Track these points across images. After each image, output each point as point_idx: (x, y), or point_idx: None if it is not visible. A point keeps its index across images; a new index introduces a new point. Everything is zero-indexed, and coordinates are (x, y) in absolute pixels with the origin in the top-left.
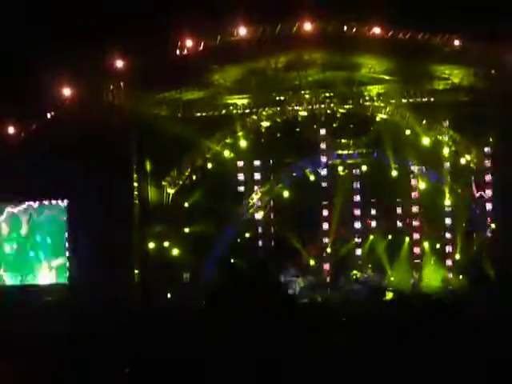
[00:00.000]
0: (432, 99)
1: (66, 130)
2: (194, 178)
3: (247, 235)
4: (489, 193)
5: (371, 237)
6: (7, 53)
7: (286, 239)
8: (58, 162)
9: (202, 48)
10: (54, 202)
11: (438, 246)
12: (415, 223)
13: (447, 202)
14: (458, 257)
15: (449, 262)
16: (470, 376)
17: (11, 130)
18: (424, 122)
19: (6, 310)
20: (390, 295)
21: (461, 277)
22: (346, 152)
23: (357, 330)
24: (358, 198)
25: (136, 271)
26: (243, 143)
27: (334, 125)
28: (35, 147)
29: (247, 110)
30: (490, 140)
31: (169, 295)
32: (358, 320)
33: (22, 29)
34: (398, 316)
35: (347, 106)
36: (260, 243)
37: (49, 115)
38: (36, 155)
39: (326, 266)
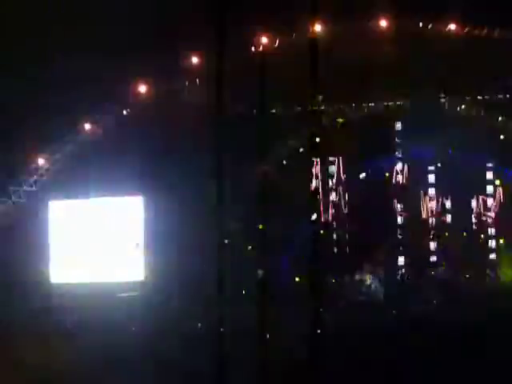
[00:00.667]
0: (508, 96)
1: (142, 127)
2: (269, 174)
3: (322, 233)
4: None
5: (446, 234)
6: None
7: (360, 236)
8: (136, 159)
9: (277, 44)
10: (129, 198)
11: None
12: (491, 220)
13: None
14: None
15: None
16: None
17: (89, 126)
18: (500, 118)
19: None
20: None
21: None
22: (421, 148)
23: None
24: (433, 194)
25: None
26: (318, 139)
27: (410, 121)
28: (111, 143)
29: (322, 107)
30: None
31: (243, 292)
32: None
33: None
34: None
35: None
36: (335, 241)
37: (125, 112)
38: (113, 152)
39: (401, 261)
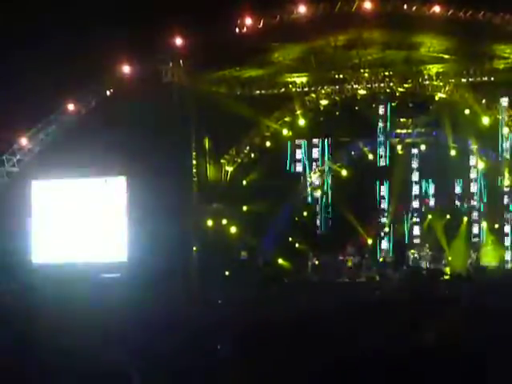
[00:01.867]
0: (492, 78)
1: (126, 107)
2: (253, 156)
3: (305, 214)
4: None
5: (429, 216)
6: (70, 31)
7: (344, 218)
8: (117, 139)
9: (261, 26)
10: (112, 178)
11: (496, 225)
12: (474, 203)
13: (506, 181)
14: None
15: (507, 242)
16: None
17: (71, 107)
18: (483, 101)
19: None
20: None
21: None
22: (404, 131)
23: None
24: (416, 177)
25: (194, 248)
26: (302, 122)
27: (393, 104)
28: (94, 124)
29: (306, 89)
30: None
31: (227, 272)
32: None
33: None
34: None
35: (406, 85)
36: (317, 222)
37: (108, 92)
38: (95, 132)
39: (384, 246)
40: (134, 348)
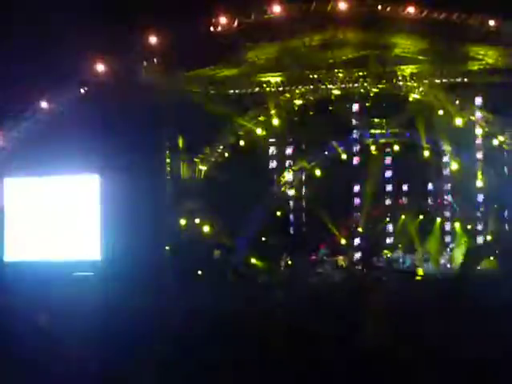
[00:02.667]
0: (466, 80)
1: (99, 105)
2: (227, 155)
3: (278, 213)
4: None
5: (403, 216)
6: (43, 29)
7: (318, 218)
8: (91, 137)
9: (236, 25)
10: (86, 176)
11: (469, 226)
12: (447, 203)
13: (479, 182)
14: (489, 237)
15: (479, 243)
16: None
17: (45, 104)
18: (457, 102)
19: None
20: (420, 273)
21: (491, 258)
22: (378, 131)
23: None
24: (389, 177)
25: (167, 247)
26: (276, 121)
27: (367, 104)
28: (67, 122)
29: (280, 88)
30: None
31: (199, 272)
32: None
33: (57, 5)
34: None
35: (380, 86)
36: (291, 221)
37: (82, 90)
38: (68, 130)
39: (358, 246)
40: (106, 345)
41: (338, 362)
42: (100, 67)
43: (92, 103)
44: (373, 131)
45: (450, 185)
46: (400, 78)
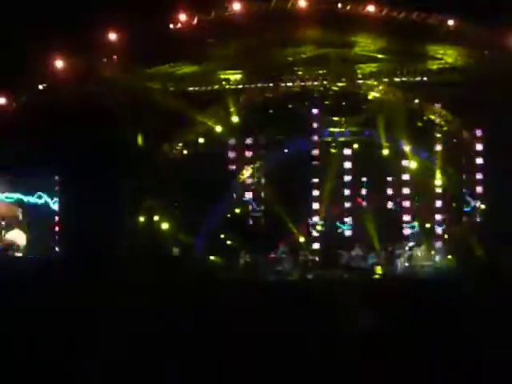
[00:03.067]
0: (425, 79)
1: (58, 102)
2: (186, 152)
3: (237, 211)
4: (479, 174)
5: (362, 215)
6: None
7: (277, 216)
8: (49, 135)
9: (196, 22)
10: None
11: (428, 225)
12: (405, 203)
13: (438, 182)
14: (447, 237)
15: (438, 243)
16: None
17: (2, 100)
18: (417, 101)
19: None
20: (378, 271)
21: (449, 257)
22: (337, 130)
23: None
24: (348, 176)
25: (125, 244)
26: (235, 119)
27: (327, 102)
28: (26, 119)
29: (240, 86)
30: (483, 122)
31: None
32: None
33: (16, 2)
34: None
35: (340, 84)
36: (250, 220)
37: (41, 86)
38: (26, 127)
39: (316, 244)
40: None
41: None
42: (59, 64)
43: (50, 100)
44: (332, 129)
45: (409, 183)
46: (360, 76)
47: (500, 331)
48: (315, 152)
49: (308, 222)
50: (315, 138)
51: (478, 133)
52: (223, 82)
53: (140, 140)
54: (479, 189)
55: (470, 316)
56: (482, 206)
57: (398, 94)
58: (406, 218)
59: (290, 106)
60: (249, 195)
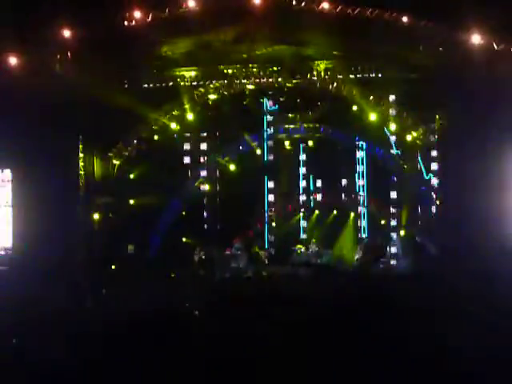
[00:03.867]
0: (379, 75)
1: (12, 99)
2: (141, 149)
3: (192, 208)
4: (434, 168)
5: (316, 211)
6: None
7: (232, 213)
8: (3, 131)
9: (150, 20)
10: None
11: (383, 222)
12: (360, 198)
13: (393, 177)
14: (402, 233)
15: (393, 237)
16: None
17: None
18: (371, 97)
19: None
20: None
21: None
22: (292, 126)
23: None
24: (303, 172)
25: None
26: (190, 116)
27: (281, 99)
28: None
29: (194, 83)
30: (436, 117)
31: (113, 266)
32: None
33: None
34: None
35: (295, 81)
36: (205, 216)
37: None
38: None
39: (271, 240)
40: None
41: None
42: (12, 61)
43: (3, 97)
44: (287, 126)
45: (363, 180)
46: (314, 73)
47: None
48: (270, 149)
49: (263, 219)
50: (270, 134)
51: (433, 126)
52: (178, 79)
53: (94, 137)
54: (435, 180)
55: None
56: (437, 201)
57: (352, 91)
58: (361, 212)
59: (244, 102)
60: (204, 192)
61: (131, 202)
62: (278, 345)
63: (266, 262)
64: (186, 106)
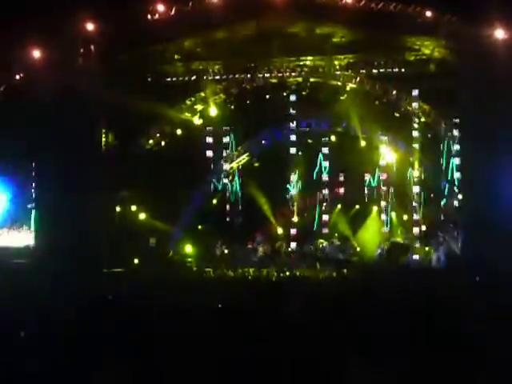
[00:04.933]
0: (403, 70)
1: (36, 92)
2: (163, 144)
3: (214, 201)
4: (457, 162)
5: (339, 206)
6: None
7: (254, 206)
8: (26, 126)
9: (173, 13)
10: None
11: (405, 217)
12: (383, 193)
13: (416, 172)
14: (424, 228)
15: (416, 232)
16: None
17: None
18: (394, 92)
19: None
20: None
21: (427, 248)
22: (315, 121)
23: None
24: (326, 166)
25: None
26: (213, 110)
27: (304, 93)
28: (3, 109)
29: (218, 77)
30: (459, 112)
31: (136, 260)
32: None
33: None
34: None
35: (317, 75)
36: (227, 210)
37: (18, 77)
38: (4, 117)
39: (293, 234)
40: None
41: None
42: (36, 54)
43: (27, 91)
44: (309, 121)
45: (386, 175)
46: (337, 67)
47: None
48: (292, 142)
49: (285, 213)
50: (292, 128)
51: (456, 121)
52: (201, 73)
53: (117, 131)
54: (457, 174)
55: None
56: (460, 196)
57: (375, 85)
58: (383, 207)
59: (267, 96)
60: (226, 185)
61: (154, 195)
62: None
63: (291, 256)
64: (209, 100)
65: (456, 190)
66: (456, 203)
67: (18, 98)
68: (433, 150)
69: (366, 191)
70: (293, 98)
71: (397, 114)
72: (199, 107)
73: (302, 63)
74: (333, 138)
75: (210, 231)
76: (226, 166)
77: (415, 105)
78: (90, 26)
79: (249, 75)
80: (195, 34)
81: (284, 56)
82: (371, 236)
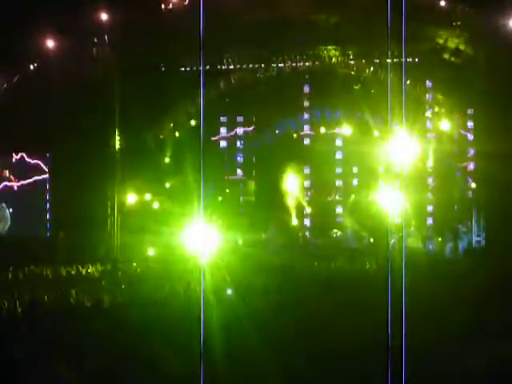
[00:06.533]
0: (417, 60)
1: (50, 81)
2: (177, 134)
3: (227, 191)
4: (471, 152)
5: (353, 196)
6: None
7: (268, 196)
8: (41, 115)
9: (187, 2)
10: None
11: (419, 207)
12: (397, 183)
13: (429, 163)
14: (438, 218)
15: (430, 222)
16: None
17: None
18: (408, 82)
19: None
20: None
21: (440, 239)
22: (328, 110)
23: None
24: (339, 156)
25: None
26: (227, 99)
27: (318, 83)
28: (18, 99)
29: (231, 66)
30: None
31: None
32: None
33: None
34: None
35: (331, 65)
36: (241, 199)
37: (32, 66)
38: (18, 106)
39: (307, 224)
40: None
41: None
42: (50, 43)
43: (42, 80)
44: (323, 110)
45: (399, 165)
46: (351, 56)
47: None
48: (306, 132)
49: (299, 203)
50: (306, 118)
51: (470, 112)
52: (215, 62)
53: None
54: (471, 166)
55: None
56: (473, 185)
57: (389, 75)
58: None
59: (281, 86)
60: (240, 175)
61: (167, 184)
62: None
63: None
64: (223, 89)
65: (470, 181)
66: (470, 194)
67: (32, 88)
68: (446, 139)
69: (379, 181)
70: (306, 87)
71: (410, 104)
72: (213, 96)
73: (316, 52)
74: (346, 127)
75: (223, 222)
76: (240, 156)
77: (428, 95)
78: (103, 16)
79: (263, 65)
80: (208, 23)
81: (298, 46)
82: (384, 226)
